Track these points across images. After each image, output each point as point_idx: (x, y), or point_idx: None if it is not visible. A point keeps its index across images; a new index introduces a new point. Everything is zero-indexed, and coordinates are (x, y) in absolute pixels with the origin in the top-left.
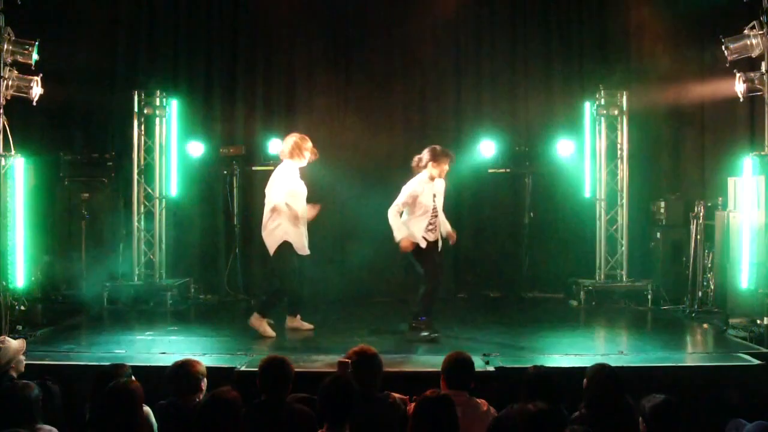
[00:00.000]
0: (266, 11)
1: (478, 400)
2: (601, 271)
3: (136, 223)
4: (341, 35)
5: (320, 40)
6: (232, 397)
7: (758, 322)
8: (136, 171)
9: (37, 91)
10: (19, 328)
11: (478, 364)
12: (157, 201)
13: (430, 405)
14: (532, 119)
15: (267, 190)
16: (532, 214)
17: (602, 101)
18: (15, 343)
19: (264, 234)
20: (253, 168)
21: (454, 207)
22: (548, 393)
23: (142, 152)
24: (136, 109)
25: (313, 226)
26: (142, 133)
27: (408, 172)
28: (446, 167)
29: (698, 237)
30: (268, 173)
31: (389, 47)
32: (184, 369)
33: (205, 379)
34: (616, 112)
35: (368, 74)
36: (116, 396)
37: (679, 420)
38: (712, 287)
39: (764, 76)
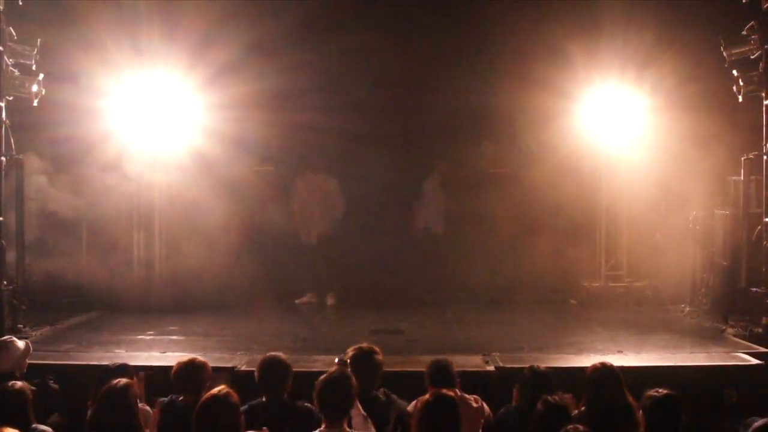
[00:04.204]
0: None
1: (468, 396)
2: (602, 272)
3: (136, 223)
4: (341, 36)
5: (318, 40)
6: (232, 397)
7: (758, 321)
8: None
9: (37, 91)
10: (21, 326)
11: (478, 364)
12: (157, 201)
13: (434, 405)
14: (532, 119)
15: None
16: (532, 214)
17: (602, 101)
18: (22, 344)
19: None
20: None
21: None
22: (544, 393)
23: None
24: None
25: None
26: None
27: (409, 173)
28: None
29: (698, 237)
30: (268, 173)
31: (389, 48)
32: (193, 368)
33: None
34: (616, 112)
35: (367, 75)
36: (114, 396)
37: (679, 414)
38: (712, 287)
39: (763, 77)
